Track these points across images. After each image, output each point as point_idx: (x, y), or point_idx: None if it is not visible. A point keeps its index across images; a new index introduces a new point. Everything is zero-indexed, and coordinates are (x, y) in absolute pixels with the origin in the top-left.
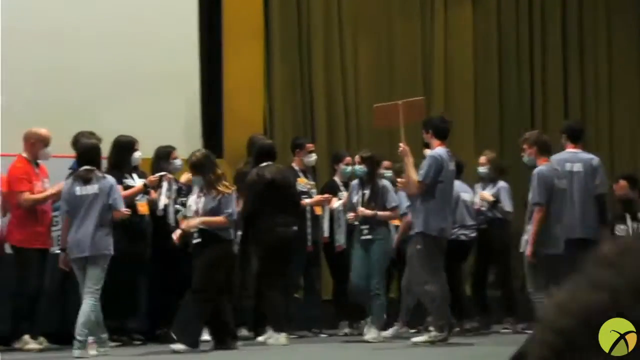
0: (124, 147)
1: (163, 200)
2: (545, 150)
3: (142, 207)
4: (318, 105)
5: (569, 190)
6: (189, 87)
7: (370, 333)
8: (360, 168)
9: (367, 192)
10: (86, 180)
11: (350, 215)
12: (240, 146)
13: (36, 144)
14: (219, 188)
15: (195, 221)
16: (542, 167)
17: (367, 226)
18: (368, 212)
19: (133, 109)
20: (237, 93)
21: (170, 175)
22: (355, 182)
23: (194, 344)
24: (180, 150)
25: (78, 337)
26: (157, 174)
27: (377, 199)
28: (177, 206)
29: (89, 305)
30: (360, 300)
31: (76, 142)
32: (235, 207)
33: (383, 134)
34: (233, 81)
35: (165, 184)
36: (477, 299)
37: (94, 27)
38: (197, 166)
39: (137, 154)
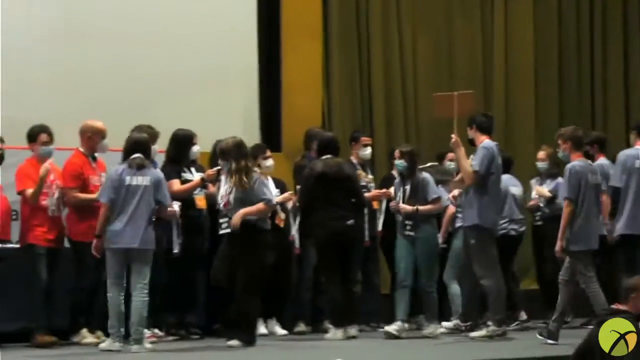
0: (183, 141)
1: (222, 194)
2: (579, 145)
3: (200, 201)
4: (376, 102)
5: (632, 187)
6: (248, 83)
7: (429, 328)
8: (400, 163)
9: (407, 187)
10: (139, 168)
11: (393, 208)
12: (298, 141)
13: (92, 137)
14: (238, 178)
15: (238, 217)
16: (575, 162)
17: (410, 222)
18: (409, 207)
19: (193, 104)
20: (295, 89)
21: None
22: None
23: (250, 341)
24: None
25: (135, 336)
26: (215, 168)
27: (417, 193)
28: None
29: (141, 302)
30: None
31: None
32: (272, 192)
33: (441, 128)
34: (291, 78)
35: (223, 178)
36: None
37: (154, 25)
38: (223, 152)
39: (195, 148)
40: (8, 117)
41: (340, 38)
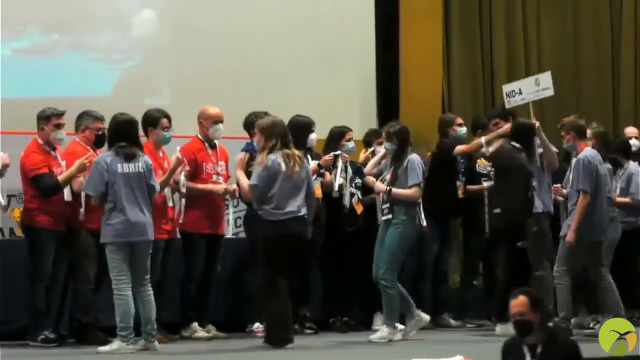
0: (301, 127)
1: (338, 181)
2: (583, 134)
3: (316, 189)
4: (499, 86)
5: None
6: (365, 67)
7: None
8: (389, 145)
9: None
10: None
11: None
12: (417, 126)
13: (204, 123)
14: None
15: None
16: (586, 152)
17: (386, 205)
18: (382, 187)
19: (309, 90)
20: (414, 73)
21: (345, 155)
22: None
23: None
24: (356, 131)
25: (153, 333)
26: (332, 153)
27: (400, 177)
28: (352, 189)
29: (152, 298)
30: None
31: (247, 122)
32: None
33: (569, 108)
34: (410, 61)
35: (340, 164)
36: None
37: (271, 11)
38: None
39: (313, 136)
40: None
41: (461, 19)
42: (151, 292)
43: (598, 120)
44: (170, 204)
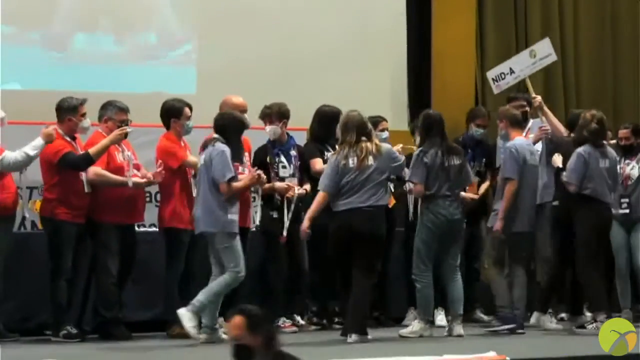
0: (328, 117)
1: None
2: (517, 123)
3: None
4: (534, 78)
5: None
6: (396, 56)
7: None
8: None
9: None
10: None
11: None
12: (449, 117)
13: None
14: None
15: None
16: (515, 141)
17: None
18: None
19: (339, 80)
20: (446, 62)
21: None
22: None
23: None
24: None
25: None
26: None
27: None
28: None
29: None
30: None
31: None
32: None
33: (605, 99)
34: (443, 50)
35: None
36: None
37: (299, 1)
38: None
39: None
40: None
41: (495, 9)
42: None
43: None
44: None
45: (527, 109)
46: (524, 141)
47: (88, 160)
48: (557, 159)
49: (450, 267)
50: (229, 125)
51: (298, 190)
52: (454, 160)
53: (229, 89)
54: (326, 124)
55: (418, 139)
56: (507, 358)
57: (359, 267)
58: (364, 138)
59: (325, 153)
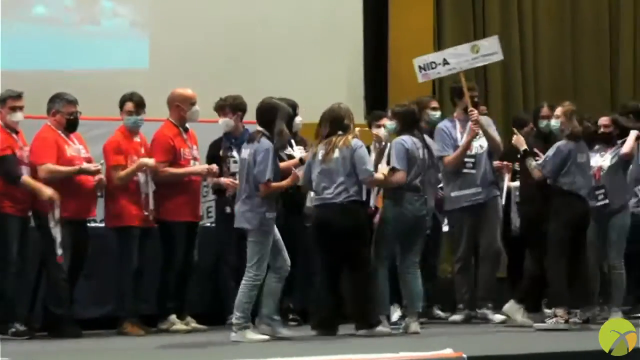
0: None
1: None
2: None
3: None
4: (493, 70)
5: None
6: (352, 48)
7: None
8: (390, 124)
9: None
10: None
11: None
12: None
13: (181, 106)
14: None
15: None
16: (404, 136)
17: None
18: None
19: (295, 73)
20: (403, 54)
21: None
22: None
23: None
24: None
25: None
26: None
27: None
28: None
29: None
30: None
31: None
32: None
33: (566, 92)
34: (399, 43)
35: None
36: None
37: None
38: None
39: (297, 119)
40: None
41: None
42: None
43: (595, 98)
44: (146, 191)
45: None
46: (410, 138)
47: (15, 182)
48: (520, 140)
49: (410, 263)
50: (276, 117)
51: None
52: (426, 153)
53: (180, 81)
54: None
55: (382, 130)
56: (464, 355)
57: (346, 263)
58: (340, 132)
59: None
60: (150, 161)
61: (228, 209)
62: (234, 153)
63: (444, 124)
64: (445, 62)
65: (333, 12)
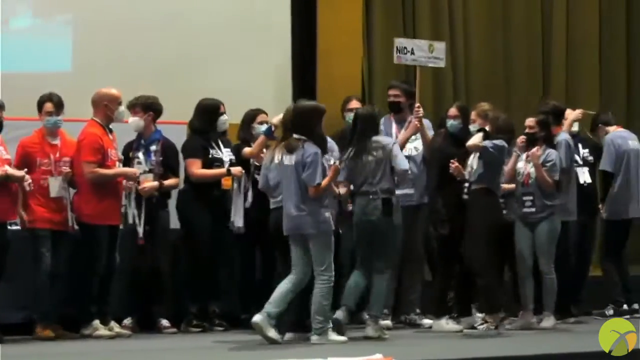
0: (208, 111)
1: None
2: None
3: (227, 181)
4: (423, 68)
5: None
6: (280, 47)
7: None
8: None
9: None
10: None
11: None
12: (335, 109)
13: (109, 105)
14: None
15: None
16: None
17: None
18: None
19: (221, 71)
20: (332, 53)
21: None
22: None
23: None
24: (270, 114)
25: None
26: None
27: None
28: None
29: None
30: None
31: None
32: None
33: (498, 93)
34: (328, 41)
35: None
36: None
37: None
38: None
39: (223, 118)
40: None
41: None
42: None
43: (527, 98)
44: (59, 194)
45: (401, 99)
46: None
47: None
48: (477, 139)
49: (371, 268)
50: (312, 118)
51: (148, 185)
52: (369, 156)
53: (107, 81)
54: (207, 117)
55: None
56: None
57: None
58: (296, 136)
59: (210, 150)
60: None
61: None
62: (140, 154)
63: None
64: (412, 52)
65: (260, 10)
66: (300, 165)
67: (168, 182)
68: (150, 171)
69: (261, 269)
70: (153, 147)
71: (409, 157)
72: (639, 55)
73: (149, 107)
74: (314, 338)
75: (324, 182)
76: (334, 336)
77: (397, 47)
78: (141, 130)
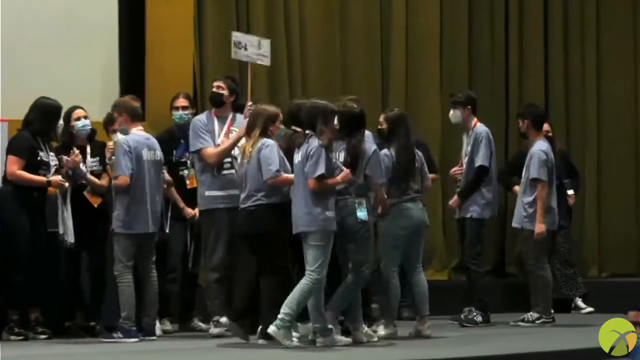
0: (52, 112)
1: None
2: (136, 117)
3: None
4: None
5: None
6: (106, 41)
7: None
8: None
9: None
10: None
11: None
12: (165, 109)
13: None
14: None
15: None
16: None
17: None
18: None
19: (46, 66)
20: (162, 48)
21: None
22: None
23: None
24: (96, 111)
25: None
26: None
27: None
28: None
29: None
30: None
31: None
32: None
33: (332, 85)
34: (158, 34)
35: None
36: None
37: None
38: None
39: (80, 123)
40: None
41: None
42: None
43: (366, 98)
44: None
45: (224, 92)
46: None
47: None
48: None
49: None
50: (318, 116)
51: None
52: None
53: None
54: (48, 119)
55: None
56: None
57: (261, 267)
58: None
59: (39, 152)
60: None
61: None
62: None
63: (199, 118)
64: (245, 48)
65: (87, 6)
66: (305, 159)
67: None
68: None
69: (89, 273)
70: None
71: (235, 157)
72: (482, 56)
73: None
74: (275, 331)
75: (330, 180)
76: (339, 337)
77: (233, 42)
78: None
